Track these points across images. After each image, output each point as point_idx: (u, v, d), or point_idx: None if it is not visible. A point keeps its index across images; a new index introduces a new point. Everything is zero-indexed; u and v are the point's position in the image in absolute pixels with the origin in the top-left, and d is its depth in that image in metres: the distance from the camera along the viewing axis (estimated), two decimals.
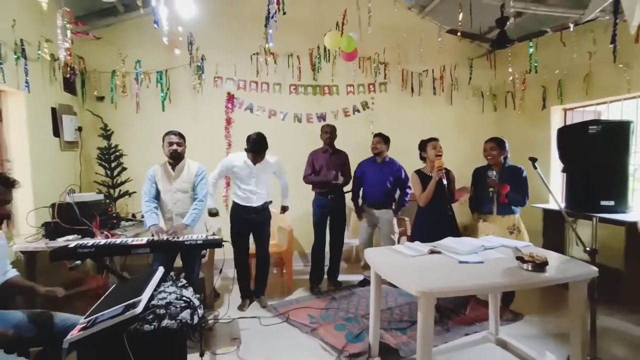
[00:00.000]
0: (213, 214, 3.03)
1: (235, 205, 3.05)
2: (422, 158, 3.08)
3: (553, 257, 1.93)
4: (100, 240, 2.18)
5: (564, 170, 3.42)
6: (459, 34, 3.19)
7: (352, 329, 2.62)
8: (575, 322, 1.84)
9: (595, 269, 1.73)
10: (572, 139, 3.28)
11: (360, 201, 3.62)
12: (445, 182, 2.82)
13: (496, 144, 2.85)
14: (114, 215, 3.06)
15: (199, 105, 4.07)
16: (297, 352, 2.37)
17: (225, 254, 2.84)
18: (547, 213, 3.73)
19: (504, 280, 1.67)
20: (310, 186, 3.53)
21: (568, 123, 4.12)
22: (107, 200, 3.36)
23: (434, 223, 2.86)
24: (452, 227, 2.91)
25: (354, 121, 4.45)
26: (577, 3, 3.09)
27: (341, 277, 3.70)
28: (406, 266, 1.84)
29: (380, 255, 2.13)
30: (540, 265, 1.68)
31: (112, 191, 3.61)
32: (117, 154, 3.65)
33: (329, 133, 3.44)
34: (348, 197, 3.62)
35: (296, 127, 4.31)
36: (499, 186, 2.73)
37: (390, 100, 4.55)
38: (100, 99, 3.82)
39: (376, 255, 2.15)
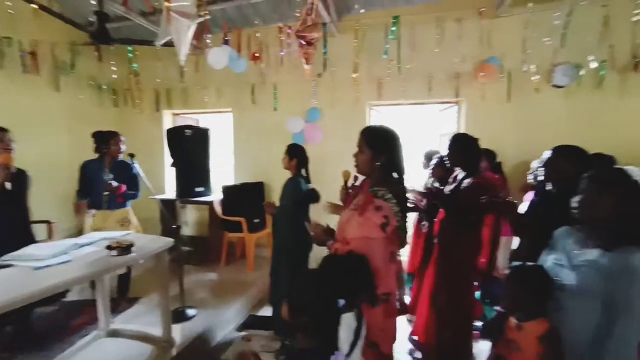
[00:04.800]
0: None
1: None
2: None
3: (142, 239, 2.26)
4: None
5: (173, 165, 4.14)
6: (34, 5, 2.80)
7: None
8: (162, 282, 2.29)
9: (170, 239, 2.24)
10: (176, 139, 4.04)
11: None
12: (8, 185, 2.34)
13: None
14: None
15: None
16: None
17: None
18: (164, 202, 4.31)
19: (88, 271, 1.75)
20: None
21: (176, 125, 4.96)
22: None
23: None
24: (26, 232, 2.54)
25: None
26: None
27: None
28: None
29: None
30: (126, 249, 1.92)
31: None
32: None
33: None
34: None
35: None
36: (115, 189, 2.79)
37: None
38: None
39: None
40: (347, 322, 1.28)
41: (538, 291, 1.29)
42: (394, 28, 3.41)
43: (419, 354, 2.45)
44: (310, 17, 2.67)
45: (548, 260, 1.33)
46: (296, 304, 1.11)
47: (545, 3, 3.22)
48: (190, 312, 2.75)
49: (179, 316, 2.67)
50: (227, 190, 4.00)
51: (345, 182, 1.91)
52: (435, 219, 2.45)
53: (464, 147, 2.15)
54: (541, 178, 1.79)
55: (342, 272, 1.28)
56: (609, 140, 3.21)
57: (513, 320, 1.37)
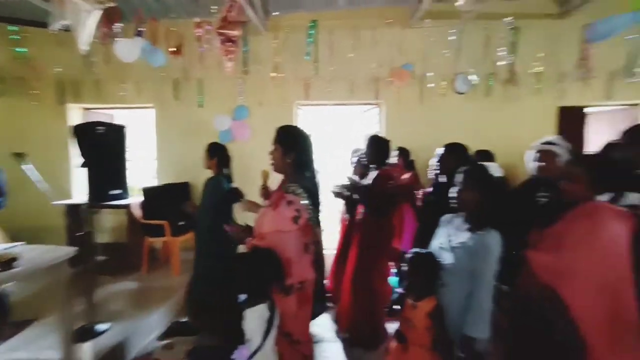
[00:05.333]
0: None
1: None
2: None
3: (35, 250, 1.99)
4: None
5: (83, 165, 3.71)
6: None
7: None
8: (61, 298, 2.06)
9: (71, 249, 2.03)
10: (86, 137, 3.62)
11: None
12: None
13: None
14: None
15: None
16: None
17: None
18: (70, 208, 3.85)
19: None
20: None
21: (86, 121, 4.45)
22: None
23: None
24: None
25: None
26: None
27: None
28: None
29: None
30: (6, 263, 1.68)
31: None
32: None
33: None
34: None
35: None
36: None
37: None
38: None
39: None
40: (259, 313, 1.33)
41: (429, 274, 1.49)
42: (312, 31, 3.55)
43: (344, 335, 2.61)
44: (231, 15, 2.63)
45: (435, 244, 1.54)
46: (196, 303, 1.12)
47: (442, 19, 3.64)
48: (100, 327, 2.52)
49: (87, 333, 2.42)
50: (148, 192, 3.73)
51: (265, 181, 1.97)
52: (356, 211, 2.64)
53: (377, 146, 2.35)
54: (437, 171, 2.06)
55: (250, 268, 1.32)
56: (497, 138, 3.80)
57: (410, 301, 1.56)
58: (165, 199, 3.75)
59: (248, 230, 1.71)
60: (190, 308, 2.47)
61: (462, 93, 3.92)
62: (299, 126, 1.70)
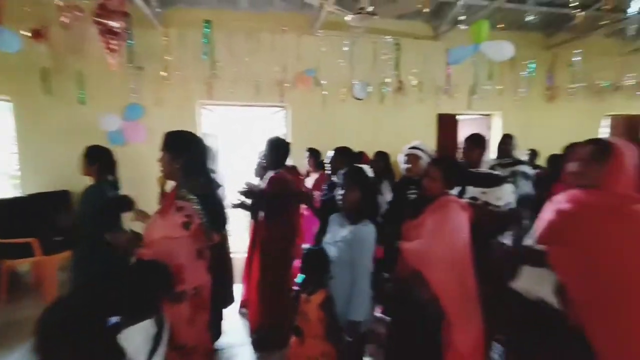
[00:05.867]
0: None
1: None
2: None
3: None
4: None
5: None
6: None
7: None
8: None
9: None
10: None
11: None
12: None
13: None
14: None
15: None
16: None
17: None
18: None
19: None
20: None
21: None
22: None
23: None
24: None
25: None
26: None
27: None
28: None
29: None
30: None
31: None
32: None
33: None
34: None
35: None
36: None
37: None
38: None
39: None
40: (143, 330, 1.24)
41: (320, 269, 1.60)
42: (207, 30, 3.44)
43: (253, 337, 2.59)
44: (111, 2, 2.35)
45: (324, 241, 1.67)
46: (54, 331, 0.99)
47: (339, 30, 3.89)
48: None
49: None
50: (5, 204, 3.07)
51: (162, 188, 1.86)
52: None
53: (275, 149, 2.39)
54: (328, 172, 2.23)
55: (133, 283, 1.22)
56: (390, 140, 4.27)
57: (304, 295, 1.65)
58: (33, 212, 3.14)
59: (136, 238, 1.59)
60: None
61: (360, 99, 4.28)
62: (188, 130, 1.63)
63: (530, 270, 1.33)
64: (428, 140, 4.62)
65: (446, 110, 4.65)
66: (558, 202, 1.36)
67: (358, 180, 1.51)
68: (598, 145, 1.26)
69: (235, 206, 2.45)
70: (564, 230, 1.28)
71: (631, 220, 1.16)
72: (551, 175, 2.91)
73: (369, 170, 1.56)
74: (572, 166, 1.30)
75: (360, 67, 4.15)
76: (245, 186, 2.48)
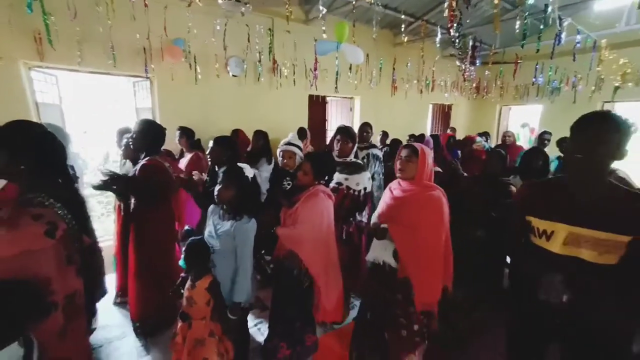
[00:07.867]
0: None
1: None
2: None
3: None
4: None
5: None
6: None
7: None
8: None
9: None
10: None
11: None
12: None
13: None
14: None
15: None
16: None
17: None
18: None
19: None
20: None
21: None
22: None
23: None
24: None
25: None
26: None
27: None
28: None
29: None
30: None
31: None
32: None
33: None
34: None
35: None
36: None
37: None
38: None
39: None
40: (9, 356, 1.13)
41: (201, 257, 1.71)
42: None
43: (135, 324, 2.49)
44: None
45: (205, 232, 1.78)
46: None
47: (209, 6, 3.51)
48: None
49: None
50: None
51: None
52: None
53: (147, 133, 2.21)
54: (209, 161, 2.25)
55: None
56: (266, 118, 4.44)
57: (189, 282, 1.75)
58: None
59: None
60: None
61: (235, 76, 4.22)
62: (28, 120, 1.36)
63: (377, 243, 1.82)
64: (300, 118, 5.03)
65: (316, 92, 5.08)
66: (393, 189, 1.86)
67: (235, 181, 1.65)
68: (411, 149, 1.77)
69: (97, 187, 2.18)
70: (397, 212, 1.78)
71: (431, 202, 1.72)
72: (391, 154, 3.72)
73: (249, 170, 1.71)
74: (398, 164, 1.80)
75: (234, 44, 4.05)
76: (109, 173, 2.21)
